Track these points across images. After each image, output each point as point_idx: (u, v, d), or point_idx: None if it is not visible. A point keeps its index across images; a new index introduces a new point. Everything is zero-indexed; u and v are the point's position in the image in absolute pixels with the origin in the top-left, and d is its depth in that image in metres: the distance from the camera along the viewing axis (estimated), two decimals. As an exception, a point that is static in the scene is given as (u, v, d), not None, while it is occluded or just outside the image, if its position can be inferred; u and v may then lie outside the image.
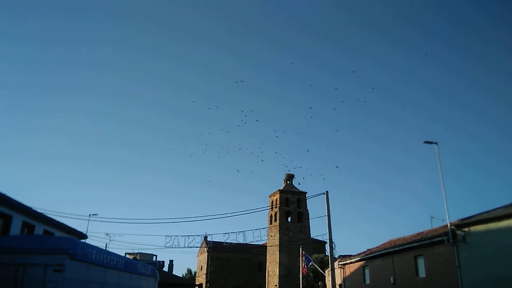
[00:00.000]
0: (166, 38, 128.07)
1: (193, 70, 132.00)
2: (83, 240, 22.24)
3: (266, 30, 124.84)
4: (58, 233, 19.64)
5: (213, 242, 60.63)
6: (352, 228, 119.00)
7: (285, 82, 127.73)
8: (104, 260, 13.38)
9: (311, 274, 41.90)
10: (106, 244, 37.28)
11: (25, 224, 16.81)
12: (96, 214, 31.03)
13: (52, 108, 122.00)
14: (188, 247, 55.60)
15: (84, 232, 23.96)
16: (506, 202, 18.93)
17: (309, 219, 54.58)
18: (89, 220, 30.40)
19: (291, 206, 54.45)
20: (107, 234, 61.74)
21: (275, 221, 54.40)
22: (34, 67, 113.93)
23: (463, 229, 17.99)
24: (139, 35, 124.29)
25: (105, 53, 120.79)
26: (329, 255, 21.83)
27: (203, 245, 63.69)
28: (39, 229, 17.89)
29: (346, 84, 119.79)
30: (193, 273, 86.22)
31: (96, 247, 13.60)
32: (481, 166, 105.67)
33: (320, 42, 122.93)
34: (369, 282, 26.33)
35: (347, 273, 29.73)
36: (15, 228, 15.92)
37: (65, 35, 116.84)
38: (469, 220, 18.01)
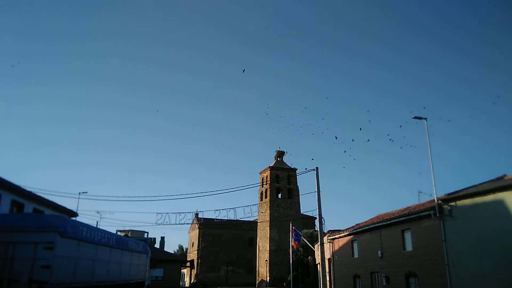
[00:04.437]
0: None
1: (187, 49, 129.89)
2: (74, 218, 22.21)
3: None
4: (47, 212, 19.55)
5: (204, 218, 61.12)
6: (346, 201, 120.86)
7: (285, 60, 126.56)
8: (95, 237, 13.39)
9: (301, 249, 42.65)
10: (97, 222, 37.38)
11: (14, 203, 16.69)
12: (86, 192, 30.78)
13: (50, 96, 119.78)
14: (179, 224, 55.83)
15: (74, 210, 23.89)
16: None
17: (299, 195, 55.19)
18: (79, 198, 30.24)
19: (282, 182, 54.88)
20: (98, 212, 61.77)
21: (266, 197, 54.90)
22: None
23: (450, 204, 18.30)
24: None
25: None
26: (318, 230, 22.18)
27: (194, 222, 64.16)
28: (28, 208, 17.78)
29: (343, 58, 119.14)
30: (184, 250, 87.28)
31: (86, 224, 13.58)
32: (465, 148, 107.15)
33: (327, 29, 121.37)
34: (357, 256, 26.89)
35: (336, 247, 30.29)
36: (4, 206, 15.81)
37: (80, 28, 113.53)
38: (455, 195, 18.31)
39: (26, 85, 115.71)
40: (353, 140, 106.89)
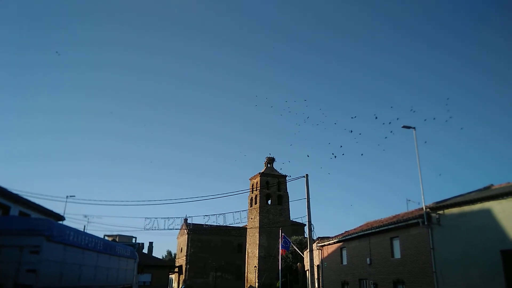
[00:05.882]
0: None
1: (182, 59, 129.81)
2: (61, 222, 21.90)
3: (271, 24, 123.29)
4: (34, 215, 19.26)
5: (193, 224, 60.70)
6: (336, 206, 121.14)
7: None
8: (82, 241, 13.20)
9: (290, 255, 42.58)
10: (84, 226, 36.90)
11: (-1, 205, 16.43)
12: (74, 196, 30.41)
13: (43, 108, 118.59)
14: (168, 229, 55.61)
15: (62, 214, 23.59)
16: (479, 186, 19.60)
17: (289, 202, 55.22)
18: (66, 201, 29.91)
19: (272, 189, 54.87)
20: (85, 216, 60.84)
21: (256, 203, 54.80)
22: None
23: (438, 212, 18.48)
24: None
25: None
26: (308, 237, 22.19)
27: (183, 227, 63.73)
28: (14, 211, 17.50)
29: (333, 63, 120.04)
30: (173, 255, 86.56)
31: (73, 228, 13.38)
32: (456, 153, 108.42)
33: (325, 32, 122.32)
34: (346, 263, 26.95)
35: (325, 254, 30.33)
36: (-11, 209, 15.54)
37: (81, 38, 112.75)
38: (444, 203, 18.50)
39: (8, 96, 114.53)
40: (341, 146, 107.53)
